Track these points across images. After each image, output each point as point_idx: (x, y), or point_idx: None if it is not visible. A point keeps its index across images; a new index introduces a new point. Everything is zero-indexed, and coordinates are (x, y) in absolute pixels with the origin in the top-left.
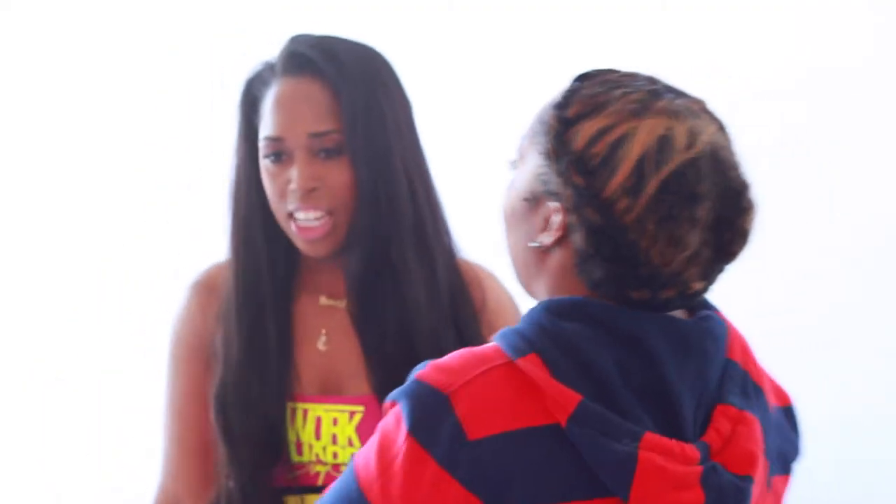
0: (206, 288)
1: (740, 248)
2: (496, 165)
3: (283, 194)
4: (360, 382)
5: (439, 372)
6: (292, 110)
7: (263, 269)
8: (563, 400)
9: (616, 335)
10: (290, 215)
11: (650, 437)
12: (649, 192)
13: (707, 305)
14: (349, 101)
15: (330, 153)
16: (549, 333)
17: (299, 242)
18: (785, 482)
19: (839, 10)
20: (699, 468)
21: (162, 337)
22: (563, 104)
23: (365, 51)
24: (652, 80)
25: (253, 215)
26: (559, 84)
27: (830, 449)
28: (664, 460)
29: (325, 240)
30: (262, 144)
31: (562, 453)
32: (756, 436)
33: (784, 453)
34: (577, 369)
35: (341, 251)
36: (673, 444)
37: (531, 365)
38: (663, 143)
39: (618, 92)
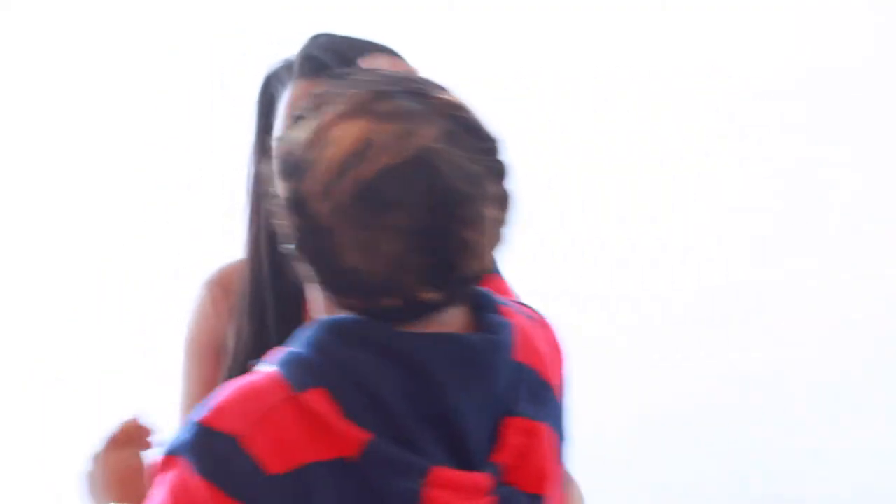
0: (220, 286)
1: (469, 259)
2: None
3: None
4: None
5: (222, 415)
6: None
7: (274, 267)
8: (352, 438)
9: (399, 361)
10: None
11: (438, 472)
12: (342, 196)
13: (491, 306)
14: None
15: None
16: (336, 363)
17: None
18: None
19: (839, 10)
20: (491, 499)
21: (162, 337)
22: (297, 105)
23: (387, 52)
24: (397, 81)
25: (266, 213)
26: (560, 84)
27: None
28: (452, 496)
29: None
30: (275, 145)
31: (358, 486)
32: (548, 448)
33: (566, 433)
34: (365, 403)
35: None
36: (462, 476)
37: (318, 400)
38: (364, 147)
39: (345, 92)
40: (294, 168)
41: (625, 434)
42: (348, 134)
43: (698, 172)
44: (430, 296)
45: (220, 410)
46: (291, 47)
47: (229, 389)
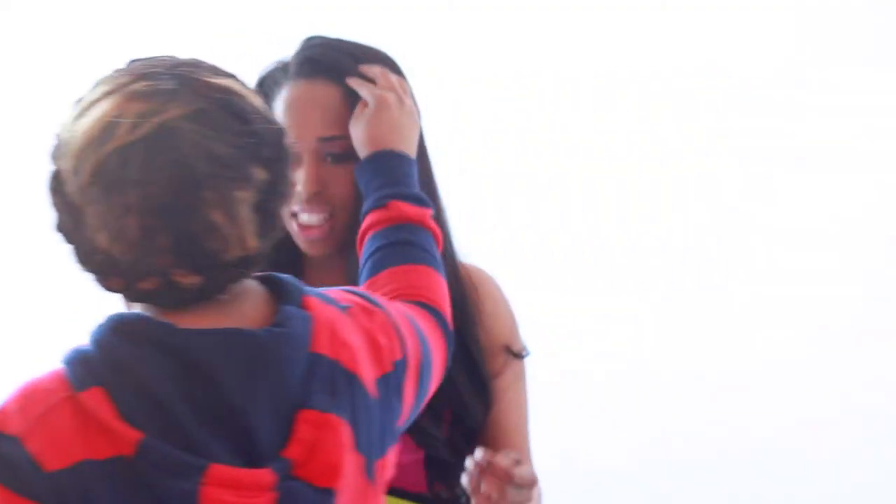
0: None
1: (221, 243)
2: (493, 167)
3: None
4: None
5: (6, 417)
6: (302, 114)
7: (266, 265)
8: (127, 438)
9: (177, 358)
10: (294, 215)
11: (216, 470)
12: (85, 174)
13: (292, 297)
14: None
15: (337, 158)
16: (114, 361)
17: (300, 241)
18: (393, 454)
19: (839, 10)
20: (272, 495)
21: None
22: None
23: (381, 57)
24: (170, 65)
25: None
26: (560, 84)
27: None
28: (230, 494)
29: (325, 240)
30: None
31: (136, 486)
32: (341, 440)
33: (388, 425)
34: (141, 403)
35: (342, 250)
36: (241, 473)
37: (95, 400)
38: (110, 125)
39: (113, 74)
40: (56, 148)
41: (623, 433)
42: (99, 113)
43: (698, 172)
44: (189, 279)
45: (4, 412)
46: (289, 48)
47: (16, 390)
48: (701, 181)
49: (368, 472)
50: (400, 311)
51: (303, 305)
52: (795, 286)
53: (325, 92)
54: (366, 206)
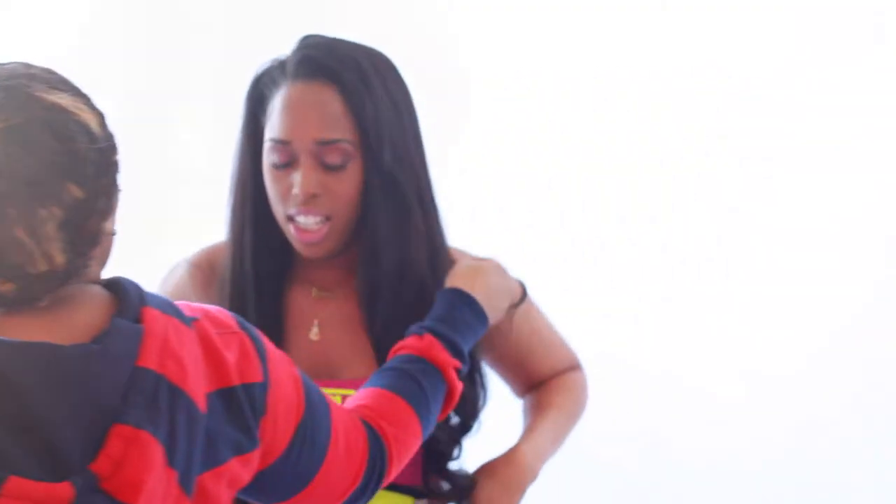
0: (202, 268)
1: (24, 257)
2: (493, 167)
3: (285, 197)
4: (352, 370)
5: None
6: (301, 115)
7: (256, 259)
8: None
9: None
10: (290, 218)
11: (13, 482)
12: None
13: (130, 309)
14: (372, 111)
15: (335, 162)
16: None
17: (296, 244)
18: (240, 464)
19: (839, 10)
20: None
21: None
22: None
23: (379, 57)
24: (7, 75)
25: (250, 208)
26: (560, 84)
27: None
28: None
29: (322, 243)
30: (267, 146)
31: None
32: (149, 457)
33: (219, 439)
34: None
35: (338, 253)
36: (37, 486)
37: None
38: None
39: None
40: None
41: (622, 432)
42: None
43: (698, 172)
44: (2, 286)
45: None
46: (288, 48)
47: None
48: (701, 181)
49: (185, 486)
50: (291, 370)
51: (140, 316)
52: (795, 286)
53: (323, 93)
54: (413, 326)
